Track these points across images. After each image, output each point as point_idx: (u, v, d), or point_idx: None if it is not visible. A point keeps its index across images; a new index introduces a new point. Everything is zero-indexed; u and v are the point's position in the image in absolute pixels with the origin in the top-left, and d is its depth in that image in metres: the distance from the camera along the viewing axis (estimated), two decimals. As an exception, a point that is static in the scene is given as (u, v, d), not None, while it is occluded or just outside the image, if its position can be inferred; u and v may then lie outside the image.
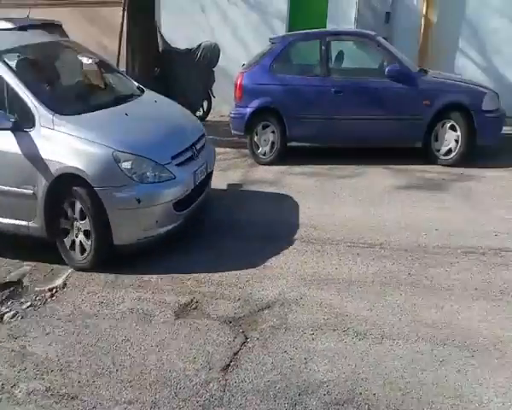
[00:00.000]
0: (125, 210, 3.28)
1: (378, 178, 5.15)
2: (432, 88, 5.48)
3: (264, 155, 5.79)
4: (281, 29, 8.02)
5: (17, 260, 3.64)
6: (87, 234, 3.38)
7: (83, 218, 3.36)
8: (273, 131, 5.66)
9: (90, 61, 4.18)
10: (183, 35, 8.11)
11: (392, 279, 3.24)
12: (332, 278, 3.25)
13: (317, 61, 5.73)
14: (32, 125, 3.35)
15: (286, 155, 5.76)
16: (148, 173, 3.34)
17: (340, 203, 4.52)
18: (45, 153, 3.30)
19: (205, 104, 7.74)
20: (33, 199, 3.37)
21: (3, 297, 3.22)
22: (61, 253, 3.51)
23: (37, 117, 3.34)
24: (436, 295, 3.05)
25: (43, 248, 3.59)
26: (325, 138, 5.83)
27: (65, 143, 3.29)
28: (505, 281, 3.18)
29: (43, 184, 3.32)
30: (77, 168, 3.24)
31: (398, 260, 3.48)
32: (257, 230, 4.01)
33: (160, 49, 7.37)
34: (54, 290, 3.26)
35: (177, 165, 3.54)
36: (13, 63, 3.59)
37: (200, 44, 7.24)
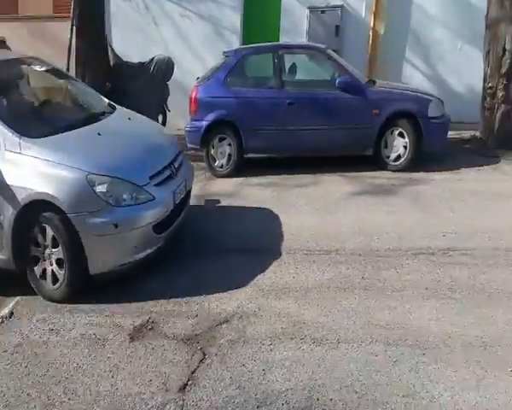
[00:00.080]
0: (102, 236, 3.09)
1: (333, 185, 5.30)
2: (380, 97, 5.72)
3: (222, 167, 5.83)
4: (235, 42, 8.15)
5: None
6: (60, 262, 3.17)
7: (55, 245, 3.15)
8: (229, 144, 5.73)
9: (44, 68, 3.95)
10: (135, 49, 8.09)
11: (347, 284, 3.33)
12: (289, 287, 3.31)
13: (270, 73, 5.87)
14: None
15: (243, 167, 5.83)
16: (125, 196, 3.17)
17: (297, 212, 4.62)
18: (12, 179, 3.09)
19: (160, 118, 7.68)
20: None
21: None
22: (30, 282, 3.30)
23: (1, 140, 3.15)
24: (388, 296, 3.16)
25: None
26: (281, 149, 5.95)
27: (33, 168, 3.09)
28: (453, 279, 3.35)
29: (10, 212, 3.10)
30: (47, 194, 3.04)
31: (352, 264, 3.59)
32: (223, 244, 4.02)
33: (111, 63, 7.29)
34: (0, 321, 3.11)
35: (156, 185, 3.38)
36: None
37: (153, 58, 7.22)
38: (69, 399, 2.44)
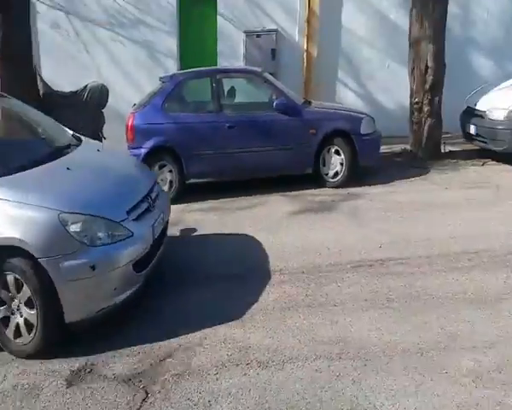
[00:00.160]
0: (78, 281, 2.81)
1: (276, 205, 5.41)
2: (316, 118, 5.95)
3: (164, 194, 5.76)
4: (172, 67, 8.17)
5: None
6: (31, 305, 2.86)
7: (25, 295, 2.84)
8: (170, 170, 5.68)
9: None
10: (66, 77, 7.87)
11: (292, 303, 3.39)
12: (234, 312, 3.29)
13: (209, 98, 5.93)
14: None
15: (184, 193, 5.79)
16: (101, 234, 2.92)
17: (239, 235, 4.64)
18: None
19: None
20: None
21: None
22: None
23: None
24: (330, 311, 3.25)
25: None
26: (222, 173, 5.99)
27: None
28: (390, 289, 3.50)
29: None
30: (13, 238, 2.75)
31: (296, 283, 3.65)
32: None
33: (41, 93, 7.04)
34: None
35: (134, 220, 3.15)
36: None
37: (86, 86, 7.05)
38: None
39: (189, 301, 3.46)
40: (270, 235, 4.56)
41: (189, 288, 3.65)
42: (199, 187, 6.17)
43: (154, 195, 3.59)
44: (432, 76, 6.69)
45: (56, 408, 2.55)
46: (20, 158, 3.30)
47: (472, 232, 4.33)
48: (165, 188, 5.71)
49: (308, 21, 8.20)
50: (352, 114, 6.26)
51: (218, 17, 8.23)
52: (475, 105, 6.67)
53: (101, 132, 7.37)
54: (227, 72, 6.35)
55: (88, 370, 2.81)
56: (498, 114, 6.26)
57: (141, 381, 2.69)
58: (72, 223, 2.84)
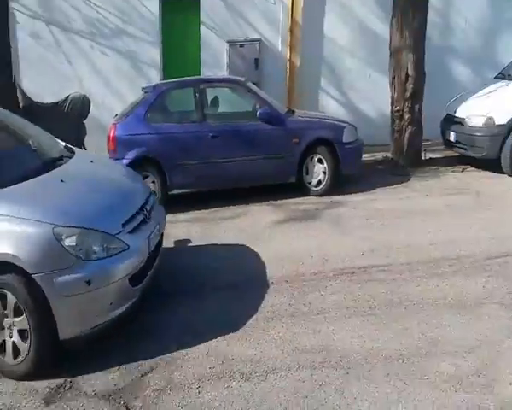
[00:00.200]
0: (73, 296, 2.72)
1: (260, 215, 5.42)
2: (299, 127, 6.01)
3: (147, 205, 5.73)
4: (155, 77, 8.15)
5: None
6: (23, 332, 2.76)
7: (17, 313, 2.75)
8: (153, 181, 5.64)
9: None
10: (48, 88, 7.81)
11: (275, 312, 3.39)
12: (217, 324, 3.29)
13: (192, 107, 5.92)
14: None
15: (168, 204, 5.74)
16: (96, 248, 2.84)
17: (224, 245, 4.64)
18: None
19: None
20: None
21: None
22: None
23: None
24: (313, 320, 3.27)
25: None
26: (206, 183, 5.98)
27: None
28: (372, 296, 3.54)
29: None
30: (6, 254, 2.67)
31: (279, 292, 3.66)
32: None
33: (21, 105, 6.96)
34: None
35: (130, 232, 3.08)
36: None
37: (67, 96, 7.00)
38: None
39: (173, 315, 3.44)
40: (254, 245, 4.56)
41: (174, 300, 3.62)
42: (182, 197, 6.15)
43: (149, 206, 3.53)
44: (412, 85, 6.81)
45: (34, 428, 2.50)
46: (11, 171, 3.18)
47: (452, 238, 4.40)
48: (149, 199, 5.71)
49: (291, 31, 8.29)
50: (335, 122, 6.33)
51: (201, 27, 8.26)
52: (455, 112, 6.81)
53: (83, 144, 7.32)
54: (210, 81, 6.36)
55: (67, 387, 2.76)
56: (477, 121, 6.40)
57: (121, 397, 2.66)
58: (67, 237, 2.77)
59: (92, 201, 3.16)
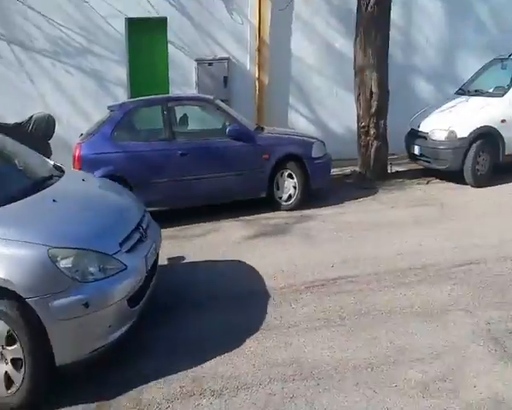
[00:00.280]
0: (70, 320, 2.61)
1: (230, 231, 5.42)
2: (269, 143, 6.08)
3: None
4: (122, 96, 8.10)
5: None
6: (16, 361, 2.60)
7: (10, 342, 2.60)
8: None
9: None
10: (10, 108, 7.64)
11: (246, 327, 3.37)
12: (187, 342, 3.25)
13: (160, 125, 5.91)
14: None
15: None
16: (93, 269, 2.74)
17: (194, 263, 4.60)
18: None
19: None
20: None
21: None
22: None
23: None
24: (285, 333, 3.27)
25: None
26: (176, 201, 5.91)
27: None
28: (342, 307, 3.58)
29: None
30: None
31: (251, 307, 3.66)
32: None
33: (-18, 125, 6.78)
34: None
35: (127, 251, 2.99)
36: None
37: (31, 116, 6.84)
38: None
39: (141, 336, 3.37)
40: (225, 261, 4.56)
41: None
42: (152, 216, 6.04)
43: (145, 224, 3.44)
44: (376, 101, 7.03)
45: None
46: (0, 191, 3.05)
47: (418, 249, 4.51)
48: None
49: (259, 50, 8.43)
50: (304, 138, 6.45)
51: (169, 45, 8.29)
52: (418, 127, 7.05)
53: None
54: (178, 100, 6.38)
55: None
56: (440, 135, 6.64)
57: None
58: (63, 258, 2.66)
59: (87, 220, 3.07)
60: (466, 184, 6.55)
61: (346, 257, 4.42)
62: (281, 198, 6.05)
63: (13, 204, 2.94)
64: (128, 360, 3.06)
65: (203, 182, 5.79)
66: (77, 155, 5.53)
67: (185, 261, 4.62)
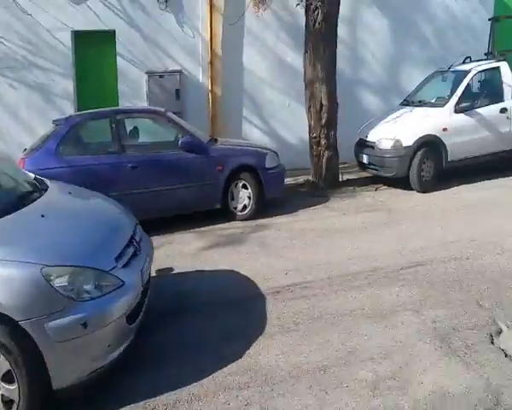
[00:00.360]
0: (67, 341, 2.46)
1: (185, 243, 5.35)
2: (222, 154, 6.10)
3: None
4: (69, 109, 7.86)
5: None
6: (9, 380, 2.42)
7: (7, 379, 2.41)
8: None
9: None
10: None
11: (201, 338, 3.33)
12: (145, 354, 3.15)
13: (109, 139, 5.79)
14: None
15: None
16: (90, 287, 2.61)
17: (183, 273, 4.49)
18: None
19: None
20: None
21: None
22: None
23: None
24: (240, 342, 3.25)
25: None
26: (128, 213, 5.80)
27: None
28: (296, 312, 3.61)
29: None
30: None
31: (207, 318, 3.61)
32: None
33: None
34: None
35: (123, 267, 2.87)
36: None
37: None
38: None
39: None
40: (178, 273, 4.49)
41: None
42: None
43: (138, 237, 3.31)
44: (326, 113, 7.23)
45: None
46: None
47: (368, 253, 4.65)
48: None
49: (211, 63, 8.49)
50: (257, 149, 6.52)
51: (118, 58, 8.17)
52: (366, 137, 7.31)
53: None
54: (127, 112, 6.29)
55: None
56: (386, 144, 6.92)
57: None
58: (58, 276, 2.51)
59: (80, 235, 2.91)
60: (412, 189, 6.85)
61: (299, 264, 4.48)
62: (236, 208, 6.07)
63: (1, 220, 2.75)
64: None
65: (156, 195, 5.69)
66: (20, 170, 5.28)
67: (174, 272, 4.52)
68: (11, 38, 7.82)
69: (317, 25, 7.04)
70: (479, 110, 7.06)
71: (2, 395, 2.46)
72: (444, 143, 6.85)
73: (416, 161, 6.75)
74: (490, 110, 7.11)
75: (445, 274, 4.08)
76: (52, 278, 2.50)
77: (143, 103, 8.13)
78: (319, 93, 7.22)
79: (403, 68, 9.13)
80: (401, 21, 8.97)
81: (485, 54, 8.08)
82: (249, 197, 6.06)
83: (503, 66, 7.32)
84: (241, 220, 5.98)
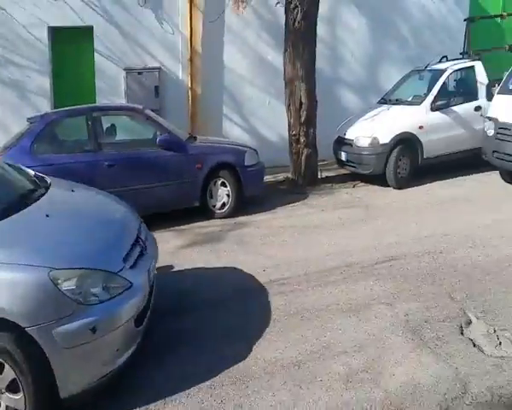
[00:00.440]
0: (75, 347, 2.38)
1: (163, 241, 5.27)
2: (201, 152, 6.07)
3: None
4: (46, 107, 7.73)
5: None
6: (14, 389, 2.34)
7: (11, 386, 2.34)
8: (46, 214, 5.30)
9: None
10: None
11: (176, 339, 3.32)
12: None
13: (85, 136, 5.71)
14: None
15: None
16: (99, 290, 2.52)
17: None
18: None
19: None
20: None
21: None
22: None
23: None
24: (216, 341, 3.26)
25: None
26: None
27: None
28: (273, 309, 3.63)
29: None
30: None
31: (180, 316, 3.60)
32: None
33: None
34: None
35: (131, 267, 2.79)
36: None
37: None
38: None
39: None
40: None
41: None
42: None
43: (143, 235, 3.22)
44: (305, 111, 7.27)
45: None
46: None
47: (345, 249, 4.71)
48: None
49: (191, 60, 8.44)
50: (236, 147, 6.52)
51: (96, 54, 8.07)
52: (345, 134, 7.39)
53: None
54: (104, 109, 6.22)
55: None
56: (364, 142, 7.01)
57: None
58: (66, 280, 2.42)
59: (86, 236, 2.82)
60: (389, 186, 6.95)
61: (278, 261, 4.51)
62: (215, 206, 6.06)
63: (2, 222, 2.64)
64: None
65: (133, 193, 5.57)
66: (-8, 168, 5.17)
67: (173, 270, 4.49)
68: (-16, 33, 7.66)
69: (296, 23, 7.07)
70: (454, 108, 7.20)
71: (7, 407, 2.39)
72: (420, 141, 6.97)
73: (392, 158, 6.85)
74: (465, 108, 7.26)
75: (419, 268, 4.16)
76: (60, 281, 2.41)
77: (121, 100, 8.05)
78: (299, 91, 7.26)
79: (381, 67, 9.24)
80: (379, 21, 9.07)
81: (461, 53, 8.23)
82: (228, 195, 6.06)
83: (478, 65, 7.49)
84: (220, 218, 5.98)
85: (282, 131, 7.88)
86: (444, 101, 7.18)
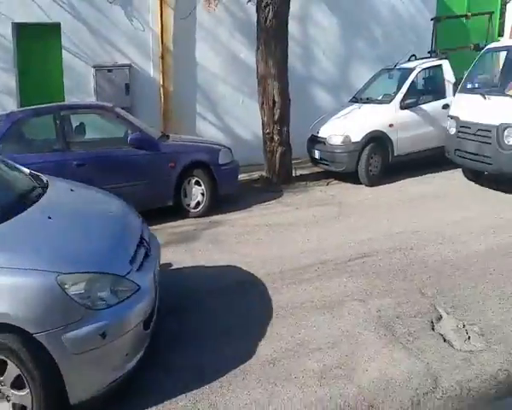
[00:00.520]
0: (85, 353, 2.33)
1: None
2: (174, 151, 6.00)
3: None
4: (12, 105, 7.46)
5: None
6: (20, 386, 2.28)
7: (16, 384, 2.28)
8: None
9: None
10: None
11: (161, 338, 3.26)
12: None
13: (53, 136, 5.55)
14: None
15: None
16: (107, 294, 2.47)
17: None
18: None
19: None
20: None
21: None
22: None
23: None
24: (189, 341, 3.24)
25: None
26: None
27: None
28: (248, 308, 3.65)
29: None
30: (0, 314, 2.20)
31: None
32: None
33: None
34: None
35: (138, 270, 2.73)
36: None
37: None
38: None
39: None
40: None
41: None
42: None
43: (147, 236, 3.16)
44: (279, 109, 7.29)
45: None
46: None
47: (319, 246, 4.76)
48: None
49: (162, 57, 8.31)
50: (210, 145, 6.48)
51: (64, 51, 7.84)
52: (318, 133, 7.45)
53: None
54: (73, 108, 6.06)
55: None
56: (336, 140, 7.09)
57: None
58: (73, 284, 2.36)
59: (91, 238, 2.75)
60: (361, 183, 7.06)
61: (253, 259, 4.50)
62: (189, 205, 6.01)
63: (3, 224, 2.54)
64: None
65: (104, 193, 5.53)
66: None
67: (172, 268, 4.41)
68: None
69: (268, 22, 7.07)
70: (423, 106, 7.37)
71: (14, 405, 2.34)
72: (390, 139, 7.10)
73: (364, 155, 6.95)
74: (433, 106, 7.44)
75: (390, 264, 4.24)
76: (67, 286, 2.36)
77: (91, 98, 7.85)
78: (272, 89, 7.27)
79: (352, 66, 9.37)
80: (350, 20, 9.19)
81: (429, 52, 8.43)
82: (202, 194, 6.02)
83: (445, 64, 7.68)
84: (195, 217, 5.93)
85: (256, 130, 7.87)
86: (413, 99, 7.33)
